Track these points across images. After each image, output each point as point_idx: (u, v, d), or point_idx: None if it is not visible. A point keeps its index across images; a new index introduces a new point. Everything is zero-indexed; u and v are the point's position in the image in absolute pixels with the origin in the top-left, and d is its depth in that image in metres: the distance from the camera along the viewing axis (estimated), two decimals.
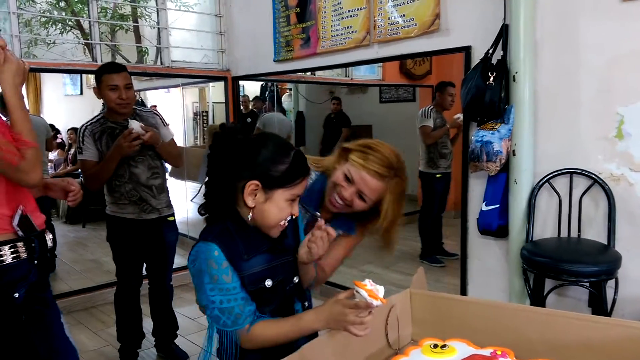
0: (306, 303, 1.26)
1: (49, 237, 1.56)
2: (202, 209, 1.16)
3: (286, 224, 1.14)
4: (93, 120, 2.48)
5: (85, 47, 4.36)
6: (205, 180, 1.14)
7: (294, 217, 1.14)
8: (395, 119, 5.93)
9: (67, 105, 6.94)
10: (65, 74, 6.38)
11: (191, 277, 1.13)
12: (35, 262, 1.48)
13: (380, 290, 1.03)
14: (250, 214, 1.11)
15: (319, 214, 1.37)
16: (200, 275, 1.09)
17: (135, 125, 2.34)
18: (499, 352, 1.03)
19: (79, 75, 6.65)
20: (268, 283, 1.12)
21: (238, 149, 1.10)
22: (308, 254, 1.18)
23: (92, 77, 6.34)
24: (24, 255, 1.44)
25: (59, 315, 1.58)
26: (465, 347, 1.08)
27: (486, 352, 1.04)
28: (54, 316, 1.55)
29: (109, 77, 2.40)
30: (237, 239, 1.11)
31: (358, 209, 1.39)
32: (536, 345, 1.07)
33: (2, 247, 1.40)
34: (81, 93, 7.18)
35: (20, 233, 1.44)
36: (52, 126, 4.88)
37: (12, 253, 1.42)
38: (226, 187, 1.10)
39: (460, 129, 3.22)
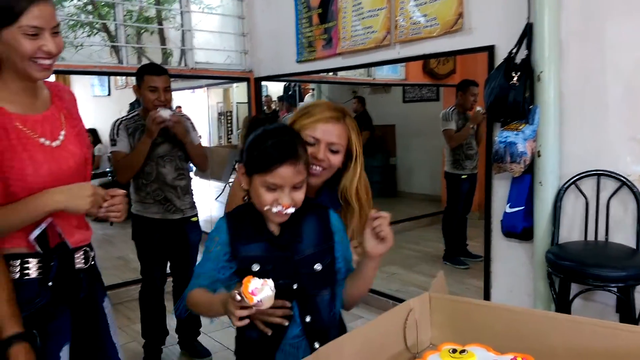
0: (308, 317, 1.18)
1: (80, 256, 1.35)
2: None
3: (283, 211, 1.12)
4: (128, 117, 2.55)
5: (111, 49, 4.45)
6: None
7: (283, 207, 1.11)
8: (419, 118, 5.88)
9: (95, 105, 7.11)
10: (93, 76, 6.54)
11: None
12: (50, 283, 1.27)
13: (263, 290, 1.00)
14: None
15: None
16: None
17: (164, 111, 2.40)
18: (519, 359, 1.01)
19: (106, 77, 6.81)
20: (255, 267, 1.15)
21: None
22: (381, 244, 1.15)
23: (119, 78, 6.51)
24: (34, 274, 1.26)
25: (58, 347, 1.31)
26: (485, 352, 1.06)
27: (506, 358, 1.02)
28: (50, 348, 1.29)
29: (150, 79, 2.46)
30: (247, 222, 1.18)
31: (336, 164, 1.38)
32: (559, 353, 1.04)
33: (12, 262, 1.24)
34: (109, 94, 7.34)
35: (37, 249, 1.25)
36: None
37: (20, 270, 1.25)
38: None
39: (483, 121, 3.17)
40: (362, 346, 1.05)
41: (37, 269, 1.26)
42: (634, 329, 1.03)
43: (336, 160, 1.37)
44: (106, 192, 1.30)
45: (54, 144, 1.30)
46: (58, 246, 1.30)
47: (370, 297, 3.15)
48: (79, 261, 1.36)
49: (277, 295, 1.05)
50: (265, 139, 1.13)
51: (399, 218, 5.30)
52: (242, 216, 1.20)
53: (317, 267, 1.19)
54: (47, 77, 1.30)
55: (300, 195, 1.15)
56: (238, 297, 1.00)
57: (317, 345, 1.17)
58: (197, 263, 1.24)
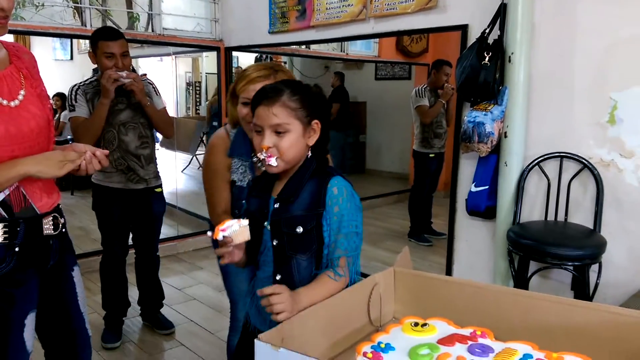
0: (278, 276, 1.23)
1: (49, 221, 1.34)
2: None
3: (264, 157, 1.16)
4: (86, 82, 2.45)
5: (75, 10, 4.23)
6: None
7: (264, 151, 1.16)
8: (390, 96, 5.88)
9: (57, 70, 6.81)
10: (55, 38, 6.24)
11: None
12: (17, 249, 1.26)
13: (232, 226, 1.10)
14: None
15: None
16: None
17: (122, 73, 2.33)
18: (478, 332, 1.03)
19: (69, 40, 6.50)
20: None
21: None
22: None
23: (82, 42, 6.23)
24: None
25: (24, 314, 1.31)
26: (446, 326, 1.09)
27: (466, 331, 1.05)
28: (15, 315, 1.29)
29: (105, 45, 2.34)
30: (262, 179, 1.29)
31: None
32: (516, 327, 1.07)
33: None
34: (71, 58, 7.03)
35: (2, 213, 1.23)
36: None
37: None
38: None
39: (453, 96, 3.18)
40: (326, 319, 1.05)
41: (3, 234, 1.24)
42: (587, 305, 1.07)
43: None
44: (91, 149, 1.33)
45: (12, 103, 1.25)
46: (25, 211, 1.28)
47: None
48: (48, 227, 1.34)
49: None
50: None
51: (367, 195, 5.33)
52: (263, 175, 1.30)
53: (299, 229, 1.20)
54: (2, 35, 1.25)
55: (284, 143, 1.16)
56: (209, 234, 1.12)
57: None
58: None
